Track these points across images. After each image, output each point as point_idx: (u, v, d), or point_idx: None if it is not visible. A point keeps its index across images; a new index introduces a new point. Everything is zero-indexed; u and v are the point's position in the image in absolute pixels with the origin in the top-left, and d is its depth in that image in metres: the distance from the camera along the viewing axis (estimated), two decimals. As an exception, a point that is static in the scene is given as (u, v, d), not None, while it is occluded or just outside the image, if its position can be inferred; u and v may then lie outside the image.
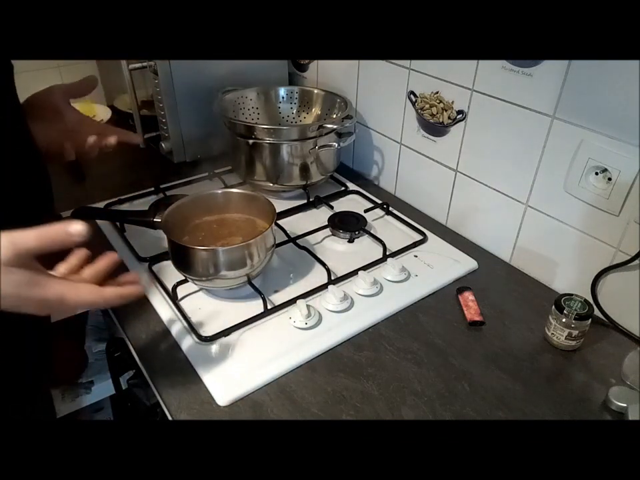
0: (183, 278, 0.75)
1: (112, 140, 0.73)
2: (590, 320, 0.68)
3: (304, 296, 0.75)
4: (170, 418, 0.60)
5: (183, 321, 0.71)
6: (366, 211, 0.97)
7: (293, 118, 1.12)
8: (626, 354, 0.67)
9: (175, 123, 1.09)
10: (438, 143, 0.93)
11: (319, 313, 0.73)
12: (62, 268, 0.52)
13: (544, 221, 0.79)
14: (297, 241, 0.87)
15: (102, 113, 1.34)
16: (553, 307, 0.69)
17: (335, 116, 1.05)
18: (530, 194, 0.80)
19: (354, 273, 0.81)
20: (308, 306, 0.72)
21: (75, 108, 0.76)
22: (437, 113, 0.91)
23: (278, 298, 0.76)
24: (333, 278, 0.79)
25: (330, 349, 0.69)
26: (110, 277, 0.54)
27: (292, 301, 0.74)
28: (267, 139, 0.92)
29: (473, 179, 0.89)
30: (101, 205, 0.96)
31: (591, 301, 0.72)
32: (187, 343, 0.68)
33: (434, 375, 0.66)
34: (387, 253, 0.85)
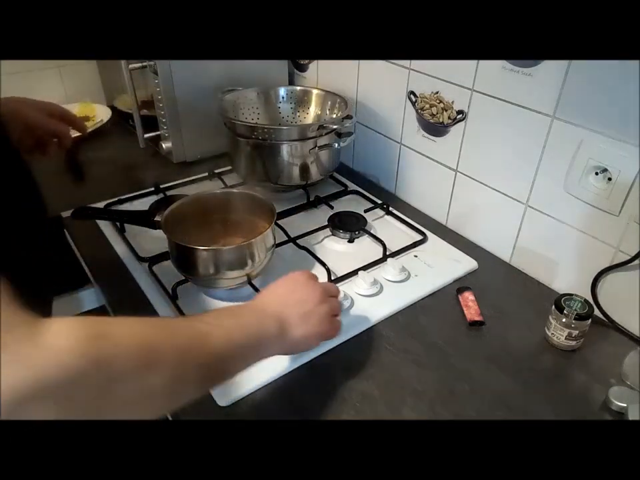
0: (183, 278, 0.75)
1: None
2: (590, 320, 0.68)
3: (304, 296, 0.75)
4: (170, 418, 0.60)
5: (183, 321, 0.71)
6: (366, 211, 0.97)
7: (293, 118, 1.12)
8: (626, 354, 0.67)
9: (175, 123, 1.09)
10: (438, 142, 0.93)
11: (319, 313, 0.73)
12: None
13: (544, 221, 0.79)
14: (297, 241, 0.87)
15: (102, 113, 1.34)
16: (553, 306, 0.69)
17: (334, 116, 1.05)
18: (530, 194, 0.80)
19: (354, 273, 0.80)
20: (308, 306, 0.72)
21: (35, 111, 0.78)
22: (437, 113, 0.91)
23: (278, 298, 0.76)
24: (332, 278, 0.79)
25: (330, 349, 0.69)
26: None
27: (292, 301, 0.74)
28: (267, 139, 0.92)
29: (473, 179, 0.89)
30: (101, 205, 0.96)
31: (591, 301, 0.72)
32: (187, 343, 0.68)
33: (434, 375, 0.66)
34: (387, 253, 0.85)
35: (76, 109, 1.36)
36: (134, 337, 0.40)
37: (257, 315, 0.55)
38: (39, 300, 0.43)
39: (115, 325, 0.41)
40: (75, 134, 0.84)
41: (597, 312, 0.73)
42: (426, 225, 0.94)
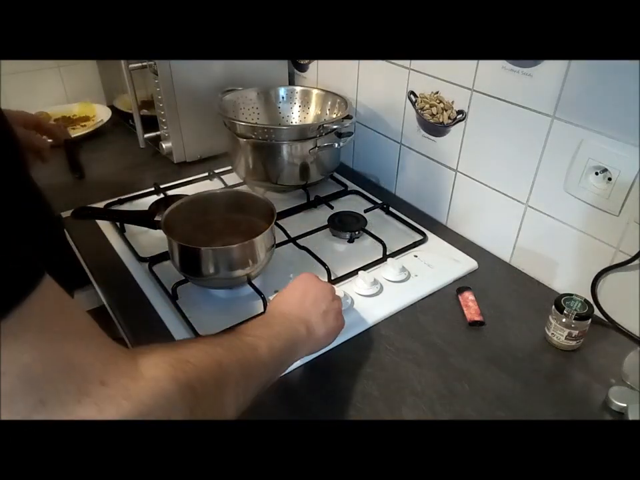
0: (183, 278, 0.75)
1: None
2: (590, 320, 0.68)
3: (304, 296, 0.75)
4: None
5: (183, 321, 0.71)
6: (366, 211, 0.97)
7: (293, 118, 1.12)
8: (626, 354, 0.67)
9: (175, 123, 1.09)
10: (438, 142, 0.93)
11: (319, 313, 0.73)
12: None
13: (544, 221, 0.79)
14: (297, 241, 0.87)
15: (102, 113, 1.34)
16: (553, 306, 0.69)
17: (334, 116, 1.05)
18: (530, 194, 0.80)
19: (354, 273, 0.81)
20: (308, 306, 0.72)
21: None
22: (437, 113, 0.91)
23: (278, 298, 0.76)
24: (332, 278, 0.79)
25: (330, 349, 0.69)
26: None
27: (292, 301, 0.74)
28: (267, 139, 0.92)
29: (473, 179, 0.89)
30: (101, 205, 0.96)
31: (591, 301, 0.72)
32: (187, 343, 0.68)
33: (434, 375, 0.66)
34: (387, 253, 0.85)
35: (76, 109, 1.36)
36: (207, 359, 0.43)
37: (286, 322, 0.58)
38: None
39: (188, 348, 0.43)
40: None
41: (597, 312, 0.73)
42: (426, 225, 0.94)
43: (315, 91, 1.10)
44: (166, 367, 0.38)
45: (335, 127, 0.95)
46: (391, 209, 0.98)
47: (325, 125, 0.94)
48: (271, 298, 0.76)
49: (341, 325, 0.65)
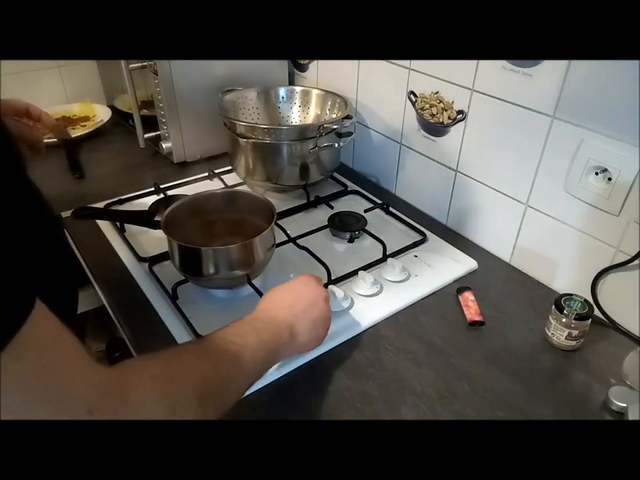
0: (183, 278, 0.75)
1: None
2: (590, 320, 0.68)
3: (304, 296, 0.75)
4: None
5: (183, 321, 0.71)
6: (366, 211, 0.97)
7: (293, 118, 1.12)
8: (626, 354, 0.67)
9: (175, 123, 1.09)
10: (438, 142, 0.93)
11: (319, 313, 0.73)
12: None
13: (544, 221, 0.79)
14: (297, 241, 0.87)
15: (102, 113, 1.34)
16: (553, 306, 0.69)
17: (334, 116, 1.05)
18: (530, 194, 0.80)
19: (354, 273, 0.80)
20: (308, 306, 0.72)
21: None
22: (437, 113, 0.91)
23: (278, 298, 0.76)
24: (333, 278, 0.79)
25: (330, 349, 0.69)
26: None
27: (292, 301, 0.74)
28: (267, 139, 0.92)
29: (473, 179, 0.89)
30: (101, 205, 0.96)
31: (591, 301, 0.72)
32: (187, 342, 0.68)
33: (434, 375, 0.66)
34: (387, 253, 0.85)
35: (76, 109, 1.36)
36: (193, 375, 0.44)
37: (273, 327, 0.58)
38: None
39: (174, 364, 0.44)
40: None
41: (597, 312, 0.73)
42: (426, 225, 0.94)
43: (314, 91, 1.10)
44: (154, 386, 0.39)
45: (334, 126, 0.95)
46: (391, 208, 0.98)
47: (325, 125, 0.94)
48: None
49: (326, 334, 0.66)
